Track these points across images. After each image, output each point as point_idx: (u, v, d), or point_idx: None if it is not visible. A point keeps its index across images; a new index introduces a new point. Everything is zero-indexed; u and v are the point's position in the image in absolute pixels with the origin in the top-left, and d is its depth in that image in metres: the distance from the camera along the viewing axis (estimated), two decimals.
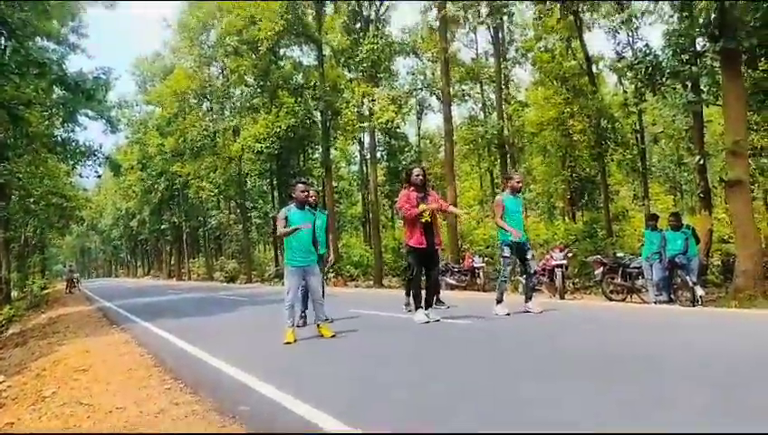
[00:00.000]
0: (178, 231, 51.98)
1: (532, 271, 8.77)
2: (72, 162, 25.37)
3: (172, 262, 60.24)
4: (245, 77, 33.73)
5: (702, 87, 15.91)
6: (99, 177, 32.48)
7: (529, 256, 8.62)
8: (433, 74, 30.46)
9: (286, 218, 6.90)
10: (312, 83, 30.30)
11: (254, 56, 31.27)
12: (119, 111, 36.68)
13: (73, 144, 24.01)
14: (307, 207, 7.18)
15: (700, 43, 14.50)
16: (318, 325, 7.10)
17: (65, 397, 4.89)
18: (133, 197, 53.67)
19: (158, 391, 4.65)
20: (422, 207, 7.73)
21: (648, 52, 14.31)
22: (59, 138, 23.86)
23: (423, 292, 8.04)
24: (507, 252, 8.51)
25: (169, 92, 40.80)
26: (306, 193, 7.10)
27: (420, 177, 7.96)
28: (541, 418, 3.09)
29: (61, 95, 21.16)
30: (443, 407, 3.44)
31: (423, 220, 7.77)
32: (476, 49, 31.20)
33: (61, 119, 22.80)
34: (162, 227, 52.68)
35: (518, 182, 8.86)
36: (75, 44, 23.48)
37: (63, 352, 7.84)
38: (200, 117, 40.19)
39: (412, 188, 7.90)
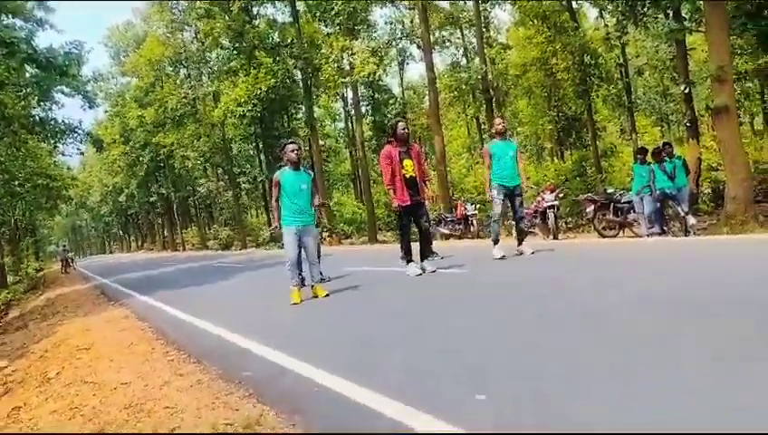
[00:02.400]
0: (168, 202, 51.72)
1: (519, 216, 8.78)
2: (52, 141, 24.97)
3: (165, 234, 60.16)
4: (220, 39, 32.97)
5: (684, 14, 15.70)
6: (82, 154, 32.04)
7: (518, 202, 8.61)
8: (411, 22, 29.84)
9: (279, 183, 6.84)
10: (289, 41, 29.69)
11: (226, 17, 30.51)
12: (94, 85, 35.83)
13: (52, 123, 23.57)
14: (301, 167, 7.09)
15: None
16: (312, 286, 7.11)
17: (70, 377, 4.90)
18: (119, 171, 53.13)
19: (161, 363, 4.66)
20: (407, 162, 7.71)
21: None
22: (36, 117, 23.38)
23: (416, 244, 8.06)
24: (496, 192, 8.52)
25: (144, 62, 40.02)
26: (297, 154, 6.99)
27: (406, 130, 7.90)
28: (547, 362, 3.11)
29: (33, 74, 20.63)
30: (439, 358, 3.46)
31: (407, 175, 7.72)
32: None
33: (36, 98, 22.26)
34: (151, 199, 52.38)
35: (499, 125, 8.82)
36: (43, 20, 22.74)
37: (64, 332, 7.84)
38: (178, 84, 39.51)
39: (395, 144, 7.80)
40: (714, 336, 3.14)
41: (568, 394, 2.51)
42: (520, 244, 8.87)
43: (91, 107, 24.92)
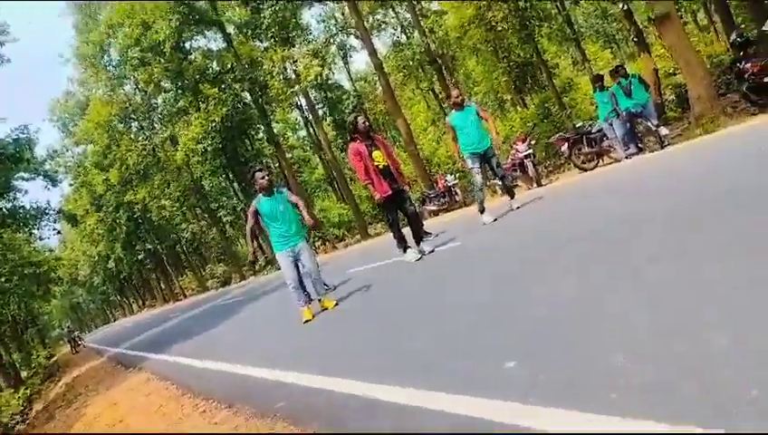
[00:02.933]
0: (156, 256, 51.36)
1: (501, 175, 8.85)
2: (26, 229, 24.77)
3: (162, 287, 59.78)
4: (162, 83, 32.69)
5: None
6: (59, 233, 31.82)
7: (494, 163, 8.67)
8: (343, 15, 29.74)
9: (257, 211, 6.82)
10: (230, 66, 29.48)
11: (161, 60, 30.22)
12: (51, 162, 35.63)
13: (21, 211, 23.38)
14: (277, 189, 7.05)
15: None
16: (319, 300, 7.11)
17: None
18: (99, 239, 52.64)
19: (194, 417, 4.66)
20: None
21: None
22: (4, 210, 23.15)
23: (408, 229, 8.10)
24: (470, 163, 8.58)
25: (93, 126, 39.61)
26: (267, 179, 6.95)
27: (366, 123, 7.89)
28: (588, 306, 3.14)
29: None
30: (461, 338, 3.48)
31: (380, 166, 7.72)
32: None
33: None
34: (139, 257, 51.96)
35: (457, 97, 8.85)
36: None
37: (92, 412, 7.81)
38: (133, 139, 39.18)
39: (359, 139, 7.77)
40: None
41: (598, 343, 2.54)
42: (512, 198, 8.99)
43: (54, 185, 24.79)
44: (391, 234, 8.41)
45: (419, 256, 7.81)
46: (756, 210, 3.48)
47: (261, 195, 6.90)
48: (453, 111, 8.85)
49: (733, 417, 1.51)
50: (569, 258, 4.27)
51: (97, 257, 59.54)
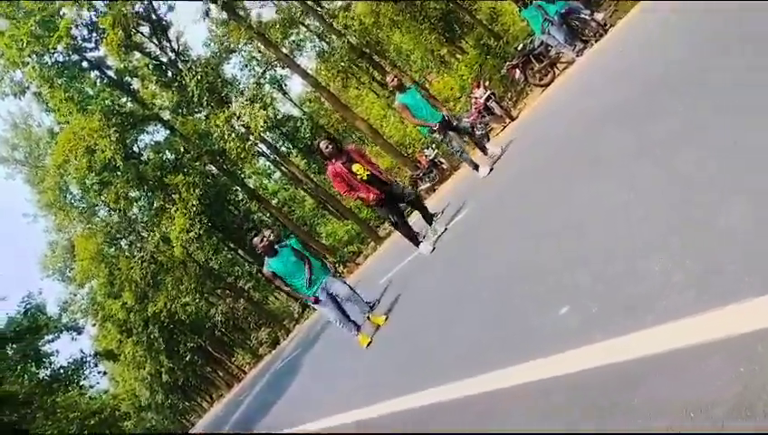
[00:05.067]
0: (202, 350, 51.52)
1: (468, 130, 8.92)
2: (74, 385, 25.00)
3: (221, 374, 60.02)
4: (130, 194, 32.80)
5: None
6: (105, 374, 32.09)
7: (455, 123, 8.75)
8: (260, 52, 29.80)
9: (273, 272, 6.93)
10: (182, 149, 29.59)
11: (119, 174, 30.32)
12: (66, 314, 35.81)
13: (62, 371, 23.60)
14: (277, 246, 7.13)
15: None
16: (369, 319, 7.18)
17: None
18: (144, 361, 52.73)
19: None
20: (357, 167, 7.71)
21: None
22: (47, 378, 23.37)
23: (419, 218, 8.18)
24: (439, 135, 8.69)
25: (87, 264, 39.72)
26: (267, 241, 7.03)
27: (330, 146, 7.70)
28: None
29: (16, 349, 20.60)
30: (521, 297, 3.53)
31: (363, 178, 7.68)
32: (272, 1, 30.38)
33: (32, 366, 22.24)
34: (187, 359, 52.10)
35: (392, 81, 8.97)
36: None
37: None
38: (129, 256, 39.29)
39: (334, 160, 7.70)
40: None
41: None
42: (485, 153, 9.04)
43: (79, 333, 24.96)
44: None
45: (432, 247, 7.76)
46: (714, 57, 3.54)
47: (267, 257, 6.99)
48: (398, 93, 8.93)
49: None
50: (572, 177, 4.32)
51: (149, 378, 59.67)
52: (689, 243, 2.19)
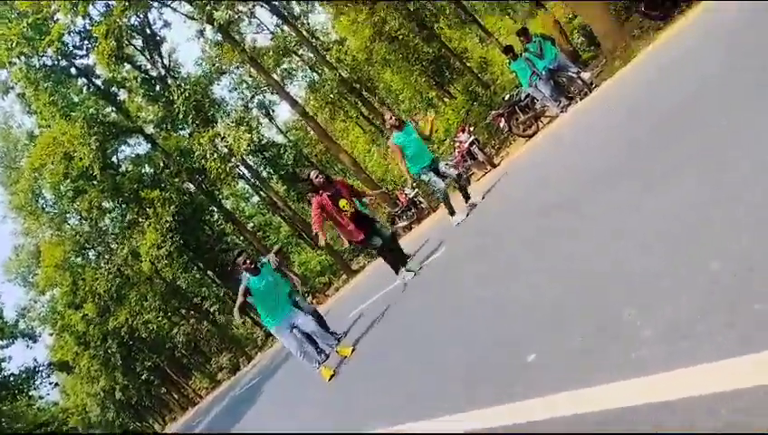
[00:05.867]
0: (159, 370, 50.26)
1: (453, 176, 9.00)
2: (23, 394, 24.17)
3: (176, 397, 58.53)
4: (103, 205, 32.37)
5: None
6: (56, 385, 31.13)
7: (442, 167, 8.87)
8: (251, 76, 29.99)
9: (248, 289, 6.88)
10: (162, 164, 29.38)
11: (95, 183, 29.97)
12: (23, 320, 34.83)
13: (12, 380, 22.81)
14: (261, 265, 7.12)
15: None
16: (337, 351, 7.13)
17: None
18: (98, 375, 51.23)
19: None
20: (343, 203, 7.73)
21: None
22: None
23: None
24: (426, 176, 8.78)
25: (52, 270, 38.86)
26: (251, 261, 6.99)
27: (320, 176, 7.76)
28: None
29: None
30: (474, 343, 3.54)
31: (349, 214, 7.68)
32: (267, 28, 30.73)
33: None
34: (143, 377, 50.72)
35: (391, 119, 9.04)
36: None
37: None
38: (96, 268, 38.54)
39: (321, 192, 7.66)
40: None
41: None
42: (467, 199, 9.12)
43: (34, 341, 24.23)
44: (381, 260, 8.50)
45: (404, 283, 7.86)
46: (693, 124, 3.66)
47: (248, 274, 6.95)
48: (394, 132, 8.99)
49: None
50: (541, 233, 4.38)
51: (102, 393, 57.83)
52: (662, 298, 2.22)
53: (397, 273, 8.11)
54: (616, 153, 4.80)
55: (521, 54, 12.11)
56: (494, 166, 13.99)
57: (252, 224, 38.51)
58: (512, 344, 3.06)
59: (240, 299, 6.93)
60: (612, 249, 3.07)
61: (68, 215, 37.22)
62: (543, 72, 11.58)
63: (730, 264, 2.04)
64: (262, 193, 37.90)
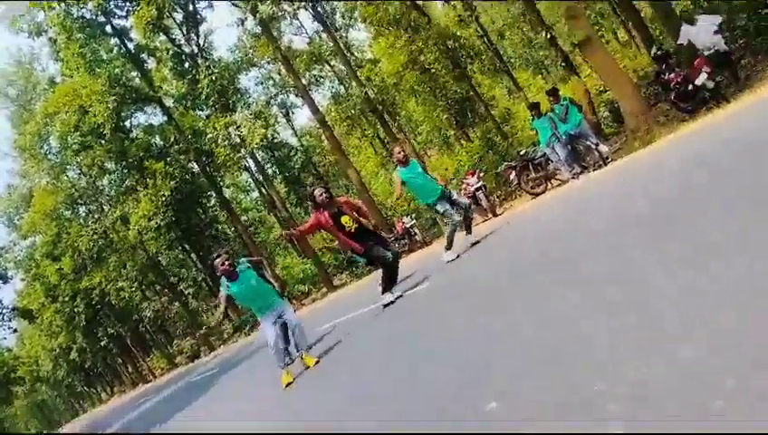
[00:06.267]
0: (120, 340, 49.66)
1: (464, 205, 8.99)
2: None
3: (130, 371, 57.77)
4: (105, 165, 32.32)
5: None
6: (15, 331, 30.71)
7: (455, 196, 8.90)
8: (280, 74, 30.20)
9: (228, 295, 6.87)
10: (173, 139, 29.38)
11: (102, 142, 29.97)
12: (0, 259, 34.47)
13: None
14: (239, 268, 7.02)
15: None
16: (302, 357, 7.06)
17: None
18: (59, 331, 50.57)
19: None
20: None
21: None
22: None
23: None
24: (442, 207, 8.73)
25: (40, 217, 38.65)
26: (228, 264, 6.90)
27: (324, 195, 7.79)
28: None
29: None
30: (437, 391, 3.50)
31: (351, 230, 7.71)
32: (307, 33, 31.04)
33: None
34: (102, 344, 50.05)
35: (398, 153, 8.98)
36: None
37: None
38: (83, 224, 38.32)
39: (322, 210, 7.73)
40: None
41: None
42: (469, 233, 9.12)
43: (5, 282, 23.96)
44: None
45: (388, 302, 7.89)
46: (700, 215, 3.67)
47: (225, 279, 6.87)
48: (398, 166, 8.97)
49: None
50: (532, 289, 4.36)
51: (58, 350, 57.06)
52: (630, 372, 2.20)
53: (383, 292, 8.11)
54: (612, 230, 4.79)
55: (545, 113, 12.23)
56: (495, 215, 14.03)
57: (246, 218, 38.35)
58: (474, 388, 3.03)
59: (222, 306, 6.96)
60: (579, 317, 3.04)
61: (68, 167, 37.14)
62: (564, 136, 11.69)
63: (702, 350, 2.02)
64: (263, 190, 37.89)
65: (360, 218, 7.89)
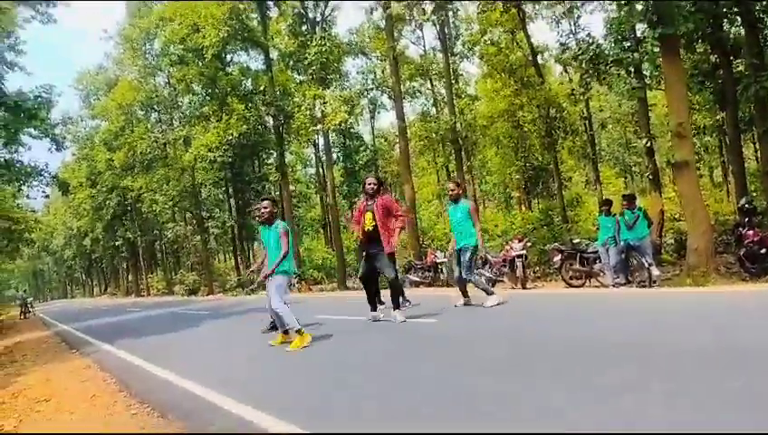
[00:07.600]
0: (134, 247, 50.80)
1: (462, 275, 8.78)
2: (17, 184, 24.59)
3: (129, 279, 58.94)
4: (192, 85, 33.19)
5: (644, 72, 16.36)
6: (47, 197, 31.68)
7: (462, 257, 8.63)
8: (383, 73, 30.54)
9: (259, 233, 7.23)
10: (262, 88, 29.99)
11: (200, 64, 30.81)
12: (63, 128, 35.61)
13: (18, 165, 23.20)
14: (277, 221, 7.15)
15: (640, 29, 14.91)
16: (271, 342, 7.25)
17: (28, 429, 4.74)
18: (84, 215, 52.14)
19: (124, 417, 4.55)
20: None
21: (590, 41, 14.65)
22: (2, 159, 22.98)
23: (386, 291, 8.20)
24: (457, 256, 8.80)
25: (115, 105, 39.95)
26: (269, 211, 7.08)
27: (372, 186, 7.99)
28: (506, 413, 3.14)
29: (1, 116, 20.39)
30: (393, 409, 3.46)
31: (366, 228, 7.90)
32: (424, 45, 31.38)
33: (3, 140, 21.91)
34: (117, 243, 51.31)
35: (452, 190, 8.94)
36: (13, 62, 22.61)
37: (23, 382, 7.59)
38: (149, 129, 39.43)
39: (366, 198, 8.05)
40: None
41: None
42: (465, 295, 8.98)
43: (58, 150, 24.75)
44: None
45: (375, 319, 8.09)
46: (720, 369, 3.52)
47: (262, 227, 7.27)
48: (452, 202, 8.97)
49: None
50: (525, 372, 4.27)
51: (75, 231, 58.85)
52: None
53: (373, 308, 8.36)
54: (635, 350, 4.65)
55: (615, 214, 12.01)
56: (525, 288, 13.81)
57: (294, 188, 38.81)
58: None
59: (261, 255, 7.27)
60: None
61: (159, 73, 38.27)
62: (623, 243, 11.44)
63: None
64: (320, 169, 38.34)
65: (387, 221, 7.91)
